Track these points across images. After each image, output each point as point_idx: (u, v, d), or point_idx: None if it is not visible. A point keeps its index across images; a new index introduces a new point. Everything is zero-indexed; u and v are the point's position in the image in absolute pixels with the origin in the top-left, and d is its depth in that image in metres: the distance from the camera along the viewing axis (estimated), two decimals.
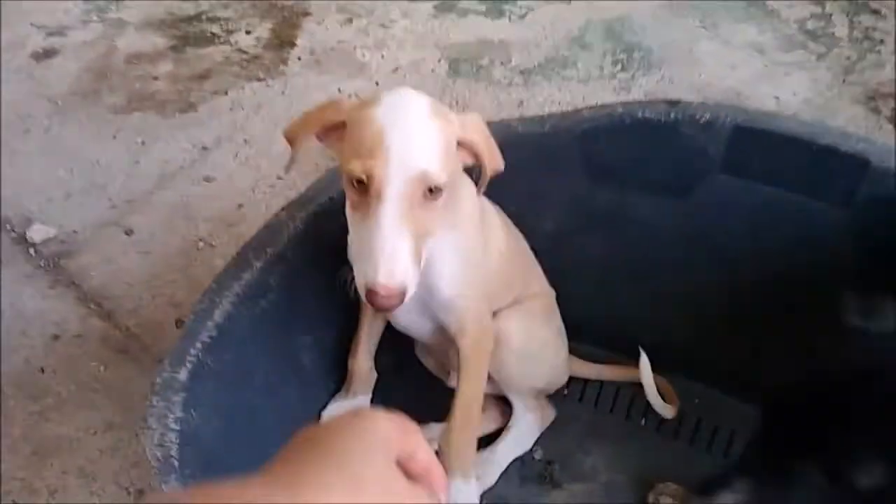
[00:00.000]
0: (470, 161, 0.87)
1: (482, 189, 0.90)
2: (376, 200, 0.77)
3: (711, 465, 1.11)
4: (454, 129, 0.82)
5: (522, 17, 2.16)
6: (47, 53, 1.96)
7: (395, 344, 1.13)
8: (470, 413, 0.98)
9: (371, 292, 0.77)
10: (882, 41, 2.07)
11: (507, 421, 1.11)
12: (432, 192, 0.79)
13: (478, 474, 1.04)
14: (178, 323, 1.31)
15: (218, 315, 0.93)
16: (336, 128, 0.84)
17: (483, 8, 2.18)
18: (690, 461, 1.13)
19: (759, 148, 1.06)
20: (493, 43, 2.07)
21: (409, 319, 1.00)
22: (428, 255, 0.84)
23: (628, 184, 1.13)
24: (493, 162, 0.88)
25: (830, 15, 2.17)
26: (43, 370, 1.25)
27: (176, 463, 0.80)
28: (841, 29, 2.11)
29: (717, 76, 1.92)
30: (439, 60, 2.00)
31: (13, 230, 1.48)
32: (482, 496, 1.05)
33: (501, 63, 1.99)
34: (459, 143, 0.84)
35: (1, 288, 1.37)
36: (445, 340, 0.99)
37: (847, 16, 2.16)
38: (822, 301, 0.82)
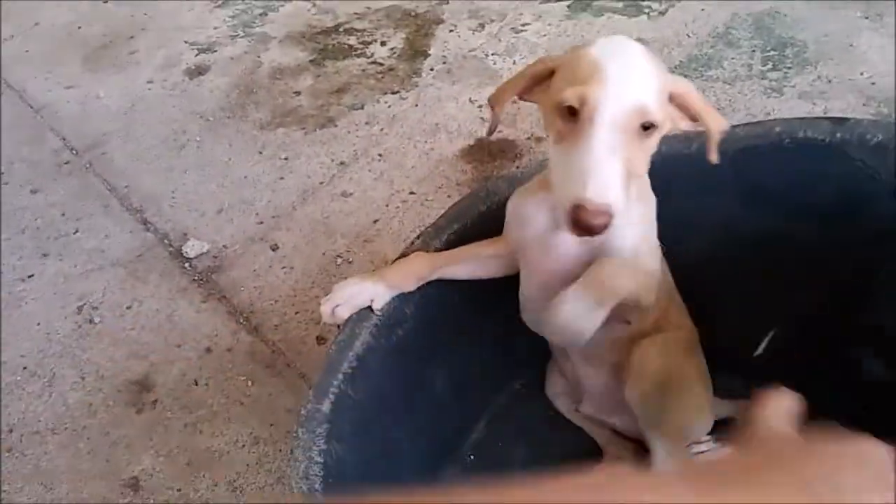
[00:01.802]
0: (683, 124, 0.83)
1: (713, 154, 0.83)
2: (589, 126, 0.74)
3: None
4: (668, 81, 0.80)
5: (663, 13, 2.06)
6: (199, 70, 2.08)
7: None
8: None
9: (578, 209, 0.73)
10: None
11: None
12: (646, 129, 0.76)
13: None
14: (319, 340, 1.36)
15: (358, 346, 0.95)
16: (544, 79, 0.82)
17: (620, 5, 2.10)
18: None
19: None
20: None
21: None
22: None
23: (786, 208, 1.04)
24: (714, 119, 0.83)
25: None
26: (196, 382, 1.33)
27: (320, 495, 0.83)
28: None
29: (883, 74, 1.74)
30: None
31: (171, 245, 1.59)
32: None
33: None
34: (672, 98, 0.80)
35: (160, 301, 1.47)
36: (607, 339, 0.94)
37: None
38: None
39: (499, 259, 1.00)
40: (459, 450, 1.19)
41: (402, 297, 1.00)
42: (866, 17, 1.93)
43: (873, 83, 1.73)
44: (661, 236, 1.04)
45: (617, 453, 1.13)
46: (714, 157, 0.84)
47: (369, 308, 0.97)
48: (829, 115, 1.66)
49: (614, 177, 0.74)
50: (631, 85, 0.75)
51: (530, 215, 0.92)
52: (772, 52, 1.87)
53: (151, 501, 1.17)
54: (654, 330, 1.00)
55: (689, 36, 1.97)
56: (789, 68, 1.81)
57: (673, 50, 1.93)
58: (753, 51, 1.88)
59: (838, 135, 0.99)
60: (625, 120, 0.74)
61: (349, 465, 0.90)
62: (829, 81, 1.76)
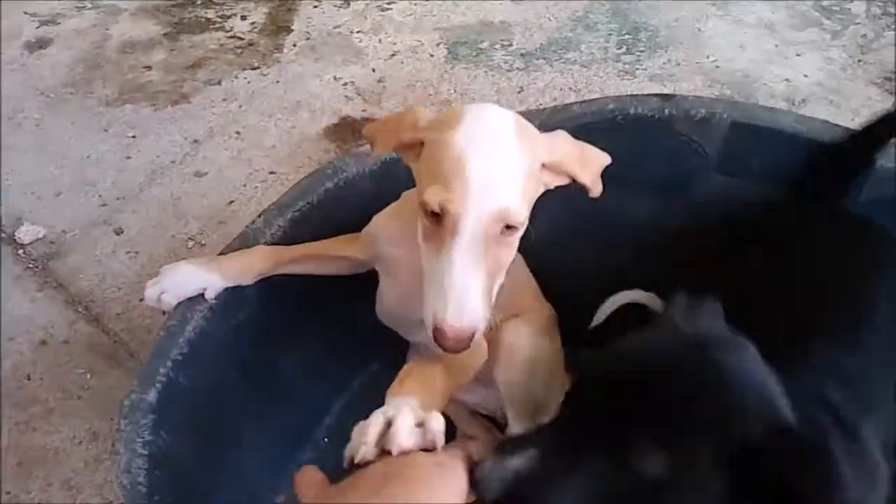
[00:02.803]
0: (561, 181, 0.81)
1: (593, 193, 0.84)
2: (451, 236, 0.72)
3: None
4: (539, 154, 0.77)
5: None
6: (40, 43, 1.93)
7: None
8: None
9: (439, 331, 0.72)
10: None
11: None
12: (510, 227, 0.74)
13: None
14: None
15: (189, 330, 0.90)
16: (413, 146, 0.78)
17: None
18: None
19: (756, 145, 1.00)
20: (493, 24, 2.00)
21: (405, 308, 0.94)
22: None
23: (621, 182, 1.08)
24: (592, 182, 0.82)
25: None
26: (30, 377, 1.23)
27: (144, 489, 0.78)
28: (858, 5, 2.02)
29: (726, 57, 1.84)
30: (438, 44, 1.94)
31: (2, 231, 1.47)
32: None
33: (502, 46, 1.93)
34: (545, 166, 0.78)
35: None
36: None
37: None
38: None
39: (352, 262, 0.98)
40: (314, 434, 1.16)
41: None
42: (713, 4, 2.03)
43: (718, 66, 1.83)
44: None
45: (470, 430, 1.14)
46: (595, 194, 0.84)
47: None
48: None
49: (476, 295, 0.73)
50: (494, 190, 0.72)
51: (400, 238, 0.89)
52: (626, 37, 1.93)
53: None
54: (512, 313, 1.01)
55: (549, 19, 2.00)
56: (642, 52, 1.88)
57: (534, 32, 1.96)
58: (609, 35, 1.94)
59: (666, 111, 1.03)
60: (487, 226, 0.72)
61: (182, 457, 0.86)
62: (678, 65, 1.84)
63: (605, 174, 0.95)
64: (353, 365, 1.20)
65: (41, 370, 1.24)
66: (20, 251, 1.43)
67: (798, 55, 1.84)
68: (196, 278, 0.93)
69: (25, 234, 1.44)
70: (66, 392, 1.21)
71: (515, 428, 1.03)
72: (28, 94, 1.78)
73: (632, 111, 1.03)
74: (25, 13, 2.03)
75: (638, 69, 1.83)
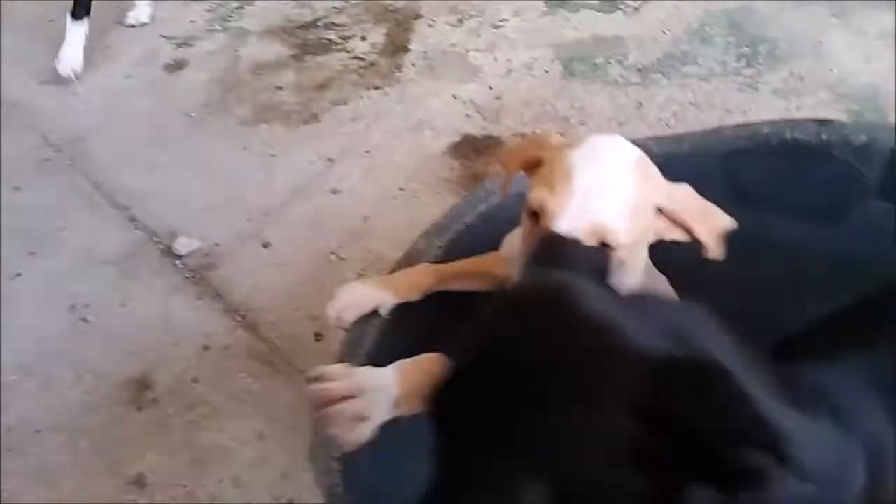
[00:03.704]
0: (677, 235, 0.81)
1: (713, 252, 0.82)
2: (545, 233, 0.74)
3: None
4: (656, 193, 0.79)
5: (638, 9, 2.11)
6: (178, 65, 2.06)
7: None
8: None
9: None
10: None
11: None
12: (606, 246, 0.74)
13: None
14: (317, 336, 1.38)
15: (368, 343, 0.97)
16: (537, 164, 0.82)
17: (596, 2, 2.14)
18: None
19: None
20: (607, 39, 2.03)
21: None
22: None
23: (775, 207, 1.10)
24: (711, 239, 0.81)
25: None
26: (196, 380, 1.34)
27: (340, 490, 0.85)
28: None
29: (851, 71, 1.82)
30: (552, 60, 1.98)
31: (160, 242, 1.59)
32: None
33: (618, 61, 1.96)
34: (661, 210, 0.79)
35: (152, 299, 1.48)
36: None
37: None
38: None
39: (496, 279, 1.04)
40: None
41: None
42: (834, 16, 2.00)
43: (842, 80, 1.81)
44: None
45: None
46: (714, 255, 0.82)
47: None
48: (801, 111, 1.73)
49: None
50: (593, 202, 0.74)
51: None
52: (745, 49, 1.93)
53: (158, 499, 1.19)
54: None
55: (664, 33, 2.02)
56: (762, 65, 1.88)
57: (649, 47, 1.98)
58: (727, 48, 1.94)
59: (823, 136, 1.05)
60: (582, 236, 0.73)
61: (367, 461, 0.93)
62: (802, 78, 1.83)
63: (768, 199, 0.98)
64: None
65: (206, 374, 1.35)
66: (178, 262, 1.54)
67: None
68: (371, 296, 1.00)
69: (182, 245, 1.55)
70: (230, 395, 1.31)
71: None
72: (171, 113, 1.91)
73: (788, 135, 1.05)
74: (161, 36, 2.17)
75: (759, 83, 1.83)
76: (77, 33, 2.00)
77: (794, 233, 1.09)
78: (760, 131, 1.09)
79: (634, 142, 1.14)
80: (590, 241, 0.74)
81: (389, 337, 1.00)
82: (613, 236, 0.74)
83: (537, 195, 0.76)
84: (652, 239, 0.82)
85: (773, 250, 1.11)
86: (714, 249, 0.82)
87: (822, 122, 1.07)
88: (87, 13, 2.01)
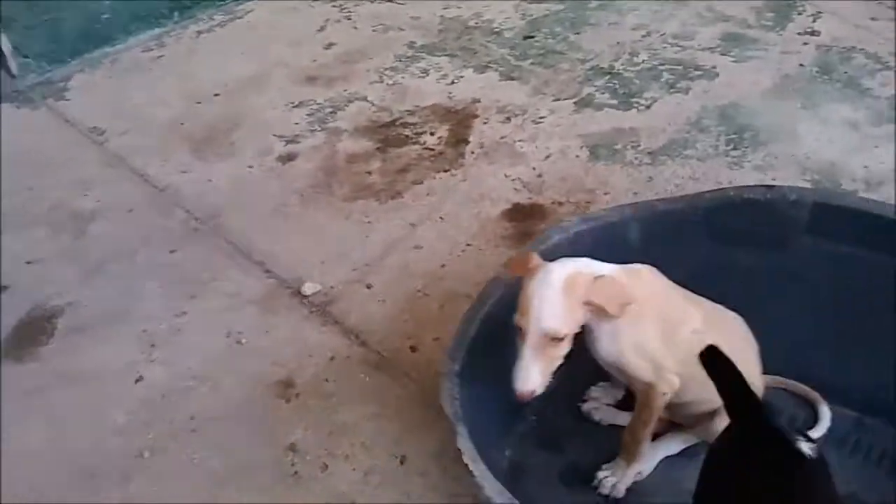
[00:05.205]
0: (600, 314, 1.36)
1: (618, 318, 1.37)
2: (522, 342, 1.34)
3: None
4: (581, 294, 1.32)
5: (648, 107, 2.66)
6: (289, 157, 2.64)
7: None
8: (635, 435, 1.49)
9: (513, 391, 1.34)
10: None
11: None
12: (555, 339, 1.33)
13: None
14: (412, 349, 1.88)
15: (472, 332, 1.48)
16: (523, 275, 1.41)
17: (615, 102, 2.70)
18: None
19: (832, 216, 1.50)
20: (624, 130, 2.58)
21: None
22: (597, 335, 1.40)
23: (739, 243, 1.59)
24: (608, 311, 1.33)
25: None
26: (327, 380, 1.84)
27: (460, 412, 1.34)
28: None
29: (816, 151, 2.33)
30: (581, 147, 2.53)
31: (289, 287, 2.12)
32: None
33: (632, 146, 2.49)
34: (587, 303, 1.34)
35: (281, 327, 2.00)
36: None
37: None
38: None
39: None
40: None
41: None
42: (804, 108, 2.53)
43: (809, 157, 2.32)
44: (661, 266, 1.59)
45: None
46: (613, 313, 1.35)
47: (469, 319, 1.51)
48: (776, 181, 2.24)
49: (532, 374, 1.32)
50: (544, 318, 1.31)
51: None
52: (733, 136, 2.46)
53: (308, 457, 1.67)
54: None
55: (669, 124, 2.56)
56: (747, 147, 2.40)
57: (658, 135, 2.52)
58: (719, 135, 2.47)
59: (769, 195, 1.56)
60: (541, 338, 1.32)
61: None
62: (777, 157, 2.35)
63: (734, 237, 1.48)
64: None
65: (334, 375, 1.84)
66: (305, 300, 2.07)
67: (876, 146, 2.31)
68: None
69: (308, 288, 2.08)
70: (352, 388, 1.81)
71: None
72: (287, 193, 2.47)
73: (746, 196, 1.56)
74: (273, 135, 2.76)
75: (744, 161, 2.35)
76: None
77: (751, 260, 1.58)
78: (728, 194, 1.60)
79: (647, 202, 1.66)
80: (547, 339, 1.33)
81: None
82: (556, 334, 1.33)
83: (518, 317, 1.34)
84: (583, 319, 1.36)
85: (739, 271, 1.60)
86: (614, 313, 1.34)
87: (769, 187, 1.58)
88: None
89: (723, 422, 1.26)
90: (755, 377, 1.48)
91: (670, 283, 1.46)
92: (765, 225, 1.55)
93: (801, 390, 1.62)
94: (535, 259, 1.39)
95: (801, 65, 2.72)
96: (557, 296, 1.31)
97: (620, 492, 1.53)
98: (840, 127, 2.41)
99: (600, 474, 1.55)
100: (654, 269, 1.43)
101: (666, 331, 1.40)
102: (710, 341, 1.22)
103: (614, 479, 1.53)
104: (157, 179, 2.60)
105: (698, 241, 1.62)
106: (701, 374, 1.22)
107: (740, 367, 1.19)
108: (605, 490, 1.54)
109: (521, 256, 1.46)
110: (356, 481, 1.64)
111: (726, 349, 1.20)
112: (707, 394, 1.29)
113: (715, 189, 1.64)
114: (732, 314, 1.52)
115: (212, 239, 2.33)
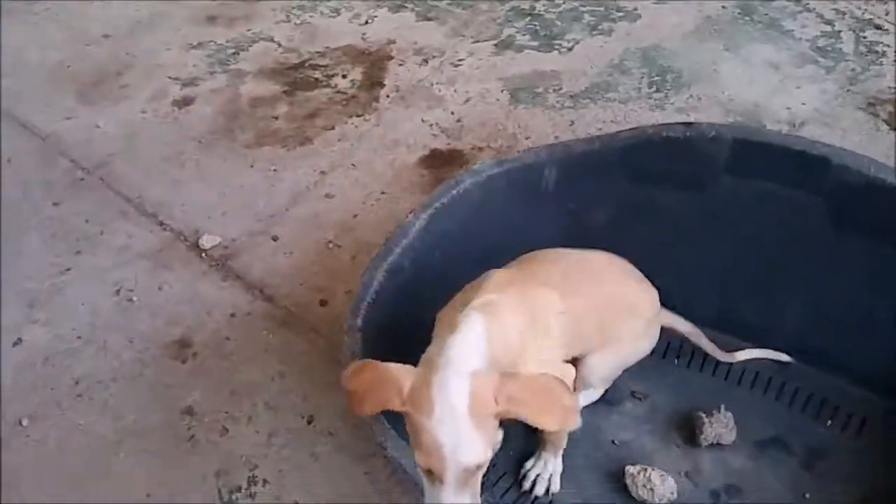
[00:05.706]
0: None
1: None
2: (439, 482, 1.04)
3: None
4: (492, 410, 1.04)
5: (570, 49, 2.56)
6: (186, 101, 2.44)
7: None
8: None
9: None
10: (884, 53, 2.42)
11: None
12: (478, 467, 1.04)
13: None
14: (322, 303, 1.75)
15: (375, 285, 1.36)
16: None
17: (536, 44, 2.59)
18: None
19: (753, 153, 1.44)
20: (546, 73, 2.47)
21: None
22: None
23: (659, 182, 1.52)
24: (544, 422, 1.10)
25: (839, 32, 2.52)
26: (228, 338, 1.70)
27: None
28: (848, 45, 2.46)
29: (738, 92, 2.29)
30: (502, 91, 2.41)
31: (186, 240, 1.95)
32: None
33: (554, 90, 2.39)
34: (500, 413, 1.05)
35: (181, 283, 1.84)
36: None
37: (854, 32, 2.51)
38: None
39: None
40: None
41: (401, 253, 1.41)
42: (727, 49, 2.48)
43: (732, 99, 2.27)
44: (580, 208, 1.51)
45: None
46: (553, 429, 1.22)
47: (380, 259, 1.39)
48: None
49: None
50: (462, 454, 1.01)
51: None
52: (656, 78, 2.39)
53: (206, 420, 1.54)
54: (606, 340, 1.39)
55: (591, 67, 2.47)
56: (669, 90, 2.34)
57: (579, 78, 2.42)
58: (641, 77, 2.40)
59: (688, 133, 1.48)
60: (461, 473, 1.02)
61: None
62: (699, 99, 2.29)
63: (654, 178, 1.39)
64: None
65: (235, 333, 1.71)
66: (203, 254, 1.90)
67: (798, 88, 2.28)
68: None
69: (206, 241, 1.91)
70: (255, 346, 1.68)
71: None
72: (184, 140, 2.28)
73: (664, 134, 1.48)
74: (168, 77, 2.54)
75: (666, 104, 2.28)
76: None
77: (672, 200, 1.51)
78: (646, 132, 1.51)
79: (563, 143, 1.57)
80: (467, 472, 1.03)
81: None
82: (481, 463, 1.05)
83: (422, 459, 1.04)
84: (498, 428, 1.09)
85: (660, 212, 1.53)
86: (551, 428, 1.21)
87: (688, 124, 1.50)
88: None
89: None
90: (638, 314, 1.42)
91: (518, 273, 1.30)
92: (685, 163, 1.48)
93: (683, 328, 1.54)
94: (402, 376, 1.08)
95: (723, 7, 2.66)
96: (466, 423, 1.03)
97: (557, 485, 1.42)
98: (762, 68, 2.37)
99: (531, 474, 1.42)
100: (497, 271, 1.26)
101: (539, 327, 1.25)
102: (573, 310, 1.27)
103: (549, 473, 1.41)
104: (38, 127, 2.37)
105: (617, 183, 1.53)
106: (583, 331, 1.28)
107: (610, 312, 1.31)
108: (540, 490, 1.41)
109: (361, 369, 1.13)
110: (259, 444, 1.52)
111: (593, 302, 1.31)
112: (598, 336, 1.35)
113: (633, 128, 1.54)
114: (598, 255, 1.41)
115: (99, 190, 2.14)
